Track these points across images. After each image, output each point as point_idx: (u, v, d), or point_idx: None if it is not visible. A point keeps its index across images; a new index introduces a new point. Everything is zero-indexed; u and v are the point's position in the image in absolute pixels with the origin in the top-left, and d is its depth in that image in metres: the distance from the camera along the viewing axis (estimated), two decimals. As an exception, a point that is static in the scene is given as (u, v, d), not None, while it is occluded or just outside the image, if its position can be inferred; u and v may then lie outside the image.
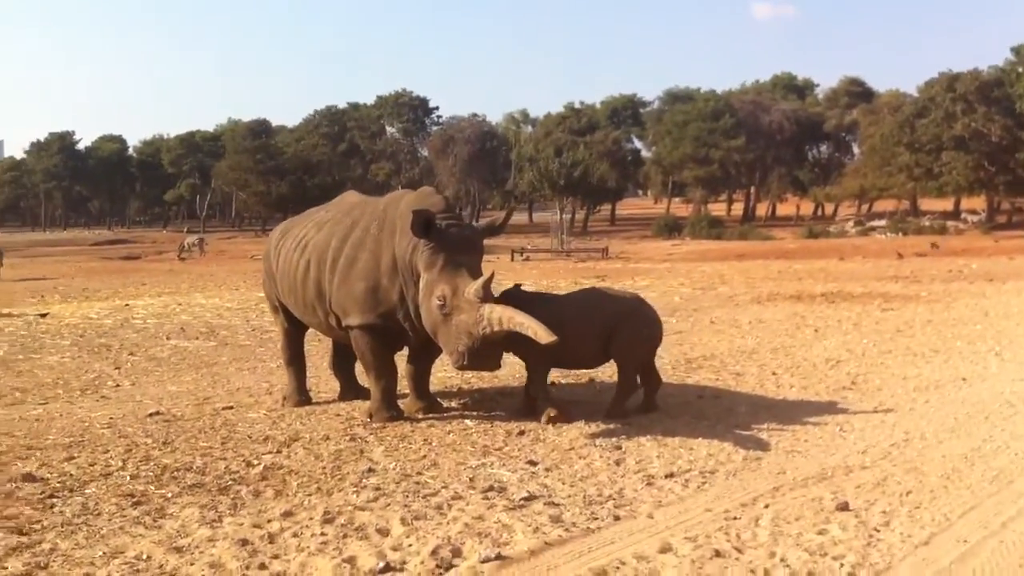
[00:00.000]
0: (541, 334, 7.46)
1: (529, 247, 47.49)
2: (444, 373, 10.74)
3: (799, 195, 76.39)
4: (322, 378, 10.97)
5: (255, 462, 7.28)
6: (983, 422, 8.28)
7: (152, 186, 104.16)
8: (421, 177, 77.09)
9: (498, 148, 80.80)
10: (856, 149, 76.25)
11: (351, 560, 5.14)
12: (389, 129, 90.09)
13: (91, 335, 16.27)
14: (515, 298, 8.33)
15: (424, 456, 7.42)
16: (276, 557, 5.24)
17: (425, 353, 8.98)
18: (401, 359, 9.15)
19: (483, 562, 5.08)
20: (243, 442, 8.01)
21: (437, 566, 5.06)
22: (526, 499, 6.19)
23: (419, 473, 6.91)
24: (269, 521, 5.82)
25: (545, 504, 6.10)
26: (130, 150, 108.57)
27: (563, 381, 10.37)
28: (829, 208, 76.89)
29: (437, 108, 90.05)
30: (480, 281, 7.87)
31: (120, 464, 7.27)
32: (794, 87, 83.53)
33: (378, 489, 6.49)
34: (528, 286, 9.60)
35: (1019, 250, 36.51)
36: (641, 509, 5.98)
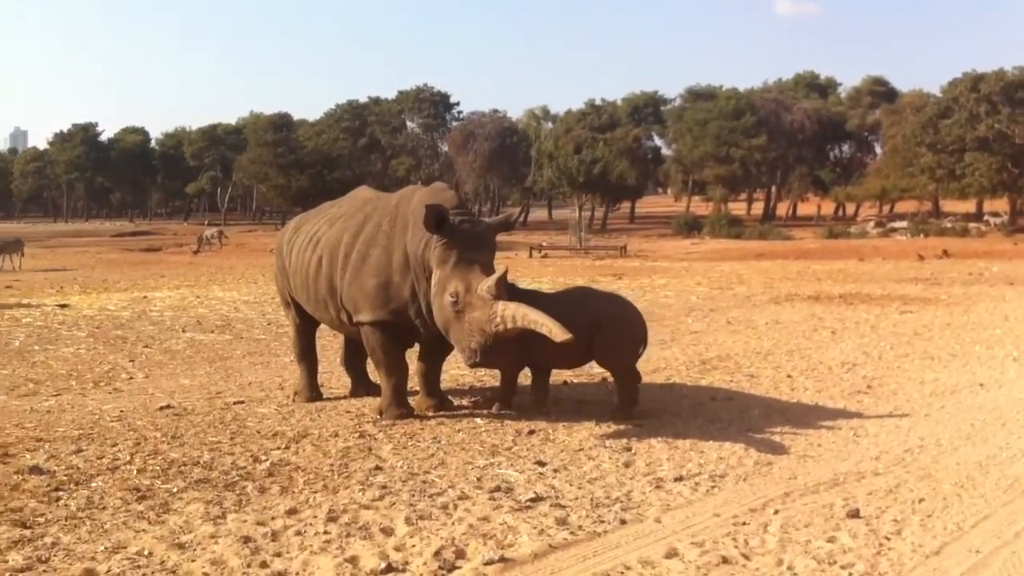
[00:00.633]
0: (556, 332, 7.39)
1: (546, 244, 47.39)
2: (457, 370, 10.70)
3: (820, 195, 75.76)
4: (334, 374, 10.95)
5: (263, 458, 7.26)
6: (1000, 429, 8.16)
7: (174, 178, 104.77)
8: (441, 172, 77.07)
9: (518, 144, 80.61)
10: (878, 149, 75.71)
11: (353, 560, 5.11)
12: (410, 124, 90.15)
13: (108, 327, 16.35)
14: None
15: (432, 455, 7.38)
16: (278, 555, 5.21)
17: (436, 350, 8.94)
18: (412, 356, 9.11)
19: (486, 564, 5.03)
20: (252, 437, 7.99)
21: (440, 567, 5.02)
22: (533, 500, 6.14)
23: (426, 472, 6.88)
24: (273, 518, 5.80)
25: (552, 506, 6.05)
26: (152, 142, 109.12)
27: (575, 380, 10.31)
28: (850, 208, 76.28)
29: (458, 103, 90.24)
30: (493, 278, 7.80)
31: (128, 458, 7.26)
32: (816, 86, 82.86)
33: (384, 487, 6.46)
34: (525, 283, 9.54)
35: (1041, 254, 36.10)
36: (648, 513, 5.93)
